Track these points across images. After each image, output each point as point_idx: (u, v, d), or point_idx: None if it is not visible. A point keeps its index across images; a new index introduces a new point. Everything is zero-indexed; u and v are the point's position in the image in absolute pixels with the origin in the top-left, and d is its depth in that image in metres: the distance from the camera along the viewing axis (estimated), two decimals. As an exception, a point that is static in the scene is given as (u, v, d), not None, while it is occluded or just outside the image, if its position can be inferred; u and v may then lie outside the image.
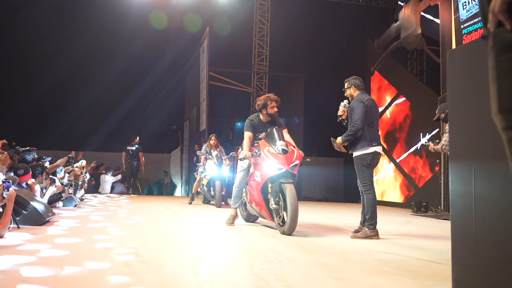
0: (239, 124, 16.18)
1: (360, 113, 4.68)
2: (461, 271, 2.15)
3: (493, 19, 0.94)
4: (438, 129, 5.40)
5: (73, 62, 14.52)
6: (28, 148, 6.08)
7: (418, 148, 10.81)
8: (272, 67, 14.93)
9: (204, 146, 9.41)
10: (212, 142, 9.20)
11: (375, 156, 4.72)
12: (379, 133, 4.86)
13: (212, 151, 9.05)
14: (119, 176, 12.87)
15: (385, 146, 12.50)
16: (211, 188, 9.00)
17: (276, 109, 5.51)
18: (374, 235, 4.62)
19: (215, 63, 13.89)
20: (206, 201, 9.59)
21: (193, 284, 2.43)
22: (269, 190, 4.89)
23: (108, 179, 12.58)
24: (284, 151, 4.87)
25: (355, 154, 4.80)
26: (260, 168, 5.03)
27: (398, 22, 11.75)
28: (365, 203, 4.71)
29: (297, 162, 4.88)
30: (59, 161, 7.60)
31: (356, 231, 4.76)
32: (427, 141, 6.03)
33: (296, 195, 4.64)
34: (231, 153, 8.23)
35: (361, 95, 4.87)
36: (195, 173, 12.46)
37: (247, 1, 14.35)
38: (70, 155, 8.56)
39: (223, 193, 8.79)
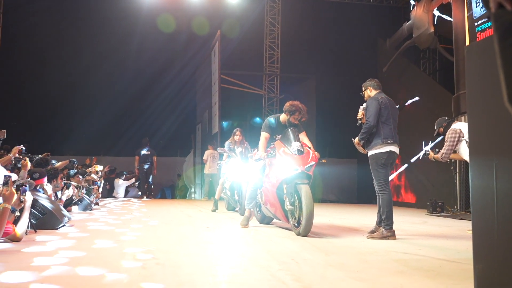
0: (258, 119, 15.93)
1: (373, 110, 4.66)
2: (484, 269, 2.11)
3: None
4: (442, 137, 5.38)
5: (85, 67, 14.67)
6: (40, 155, 6.14)
7: (420, 157, 10.69)
8: (284, 69, 14.93)
9: (227, 143, 7.93)
10: (236, 138, 7.74)
11: (391, 155, 4.67)
12: (396, 132, 4.79)
13: (236, 147, 7.67)
14: (133, 180, 12.94)
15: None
16: (235, 192, 7.70)
17: (297, 122, 5.42)
18: (391, 235, 4.57)
19: (226, 66, 13.93)
20: (231, 208, 8.23)
21: (210, 285, 2.41)
22: (284, 191, 4.87)
23: (121, 183, 12.66)
24: (300, 152, 4.85)
25: (370, 153, 4.76)
26: (275, 169, 5.01)
27: (410, 21, 11.67)
28: (381, 203, 4.68)
29: (313, 163, 4.84)
30: (58, 164, 7.62)
31: (372, 232, 4.72)
32: (427, 151, 5.97)
33: (311, 196, 4.60)
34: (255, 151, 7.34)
35: (378, 94, 4.86)
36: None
37: (257, 4, 14.37)
38: (73, 159, 8.54)
39: None
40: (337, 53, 14.34)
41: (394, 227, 4.64)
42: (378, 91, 4.90)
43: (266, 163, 5.33)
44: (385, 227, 4.60)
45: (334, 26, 13.87)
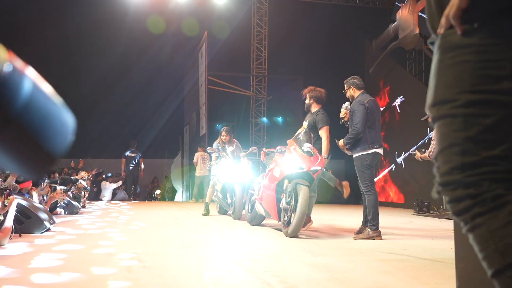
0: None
1: (360, 116, 4.69)
2: (465, 268, 2.14)
3: (445, 23, 1.04)
4: (427, 137, 5.43)
5: (72, 68, 14.55)
6: None
7: (401, 160, 10.80)
8: (271, 70, 14.94)
9: (215, 143, 7.57)
10: (223, 137, 7.40)
11: (375, 157, 4.74)
12: (381, 133, 4.89)
13: (226, 147, 7.31)
14: (120, 182, 12.86)
15: (385, 146, 12.50)
16: (227, 195, 7.30)
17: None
18: (377, 235, 4.61)
19: (213, 67, 13.91)
20: (222, 211, 7.86)
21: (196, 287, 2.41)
22: (284, 188, 4.89)
23: (109, 186, 12.57)
24: (309, 153, 4.89)
25: (355, 155, 4.83)
26: (281, 164, 5.04)
27: (395, 23, 11.77)
28: (367, 204, 4.73)
29: (319, 167, 4.86)
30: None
31: (359, 232, 4.75)
32: (413, 151, 6.06)
33: (308, 199, 4.60)
34: (250, 149, 7.05)
35: (362, 95, 4.87)
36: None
37: (244, 5, 14.38)
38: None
39: (244, 200, 6.80)
40: (324, 54, 14.41)
41: (380, 227, 4.69)
42: (361, 91, 4.91)
43: (273, 158, 5.39)
44: (371, 227, 4.64)
45: (321, 27, 13.92)
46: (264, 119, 14.60)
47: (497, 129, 0.98)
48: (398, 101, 11.96)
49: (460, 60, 1.02)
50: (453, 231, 5.36)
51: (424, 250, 3.95)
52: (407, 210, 10.07)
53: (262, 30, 14.74)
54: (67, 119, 0.85)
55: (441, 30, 1.06)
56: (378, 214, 4.68)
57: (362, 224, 4.80)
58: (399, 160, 11.71)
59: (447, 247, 4.07)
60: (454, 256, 2.31)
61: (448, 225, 6.61)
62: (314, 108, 5.72)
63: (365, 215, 4.75)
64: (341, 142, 4.91)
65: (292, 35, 14.03)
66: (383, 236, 4.69)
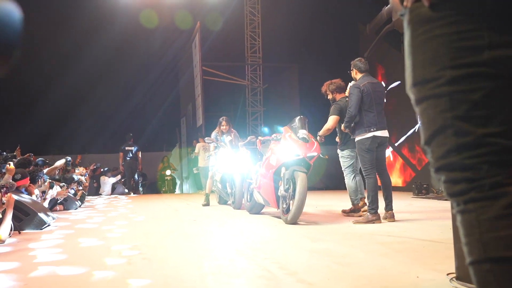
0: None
1: (354, 99, 4.75)
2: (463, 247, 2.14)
3: None
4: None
5: (67, 64, 14.47)
6: (25, 156, 6.07)
7: (416, 130, 10.81)
8: (266, 58, 14.88)
9: (213, 133, 7.59)
10: (223, 127, 7.46)
11: (374, 140, 4.75)
12: (382, 115, 4.86)
13: (224, 137, 7.33)
14: (119, 177, 12.85)
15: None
16: (227, 185, 7.29)
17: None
18: (376, 219, 4.64)
19: (208, 58, 13.83)
20: (222, 201, 7.87)
21: (196, 277, 2.42)
22: (281, 176, 4.89)
23: (108, 181, 12.57)
24: (305, 140, 4.88)
25: (356, 139, 4.89)
26: (277, 151, 5.03)
27: (389, 5, 11.69)
28: (367, 187, 4.77)
29: (315, 153, 4.86)
30: (57, 164, 7.58)
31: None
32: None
33: (306, 185, 4.61)
34: (248, 138, 6.93)
35: (362, 78, 4.91)
36: (194, 169, 12.36)
37: (236, -7, 14.26)
38: (68, 158, 8.50)
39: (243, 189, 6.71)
40: (318, 41, 14.34)
41: (379, 211, 4.70)
42: (363, 74, 4.94)
43: (269, 146, 5.40)
44: (370, 211, 4.66)
45: (315, 13, 13.82)
46: (265, 130, 14.49)
47: (487, 104, 0.92)
48: (393, 85, 11.94)
49: (434, 35, 0.96)
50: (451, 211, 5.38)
51: (423, 232, 3.96)
52: (407, 193, 10.10)
53: (255, 18, 14.64)
54: (9, 10, 0.81)
55: (407, 3, 1.01)
56: (377, 198, 4.70)
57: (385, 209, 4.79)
58: (397, 143, 11.73)
59: (446, 228, 4.07)
60: (452, 236, 2.32)
61: (446, 205, 6.62)
62: (339, 98, 5.71)
63: (384, 199, 4.79)
64: (342, 126, 5.00)
65: (285, 22, 13.94)
66: (382, 218, 4.71)
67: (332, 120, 5.43)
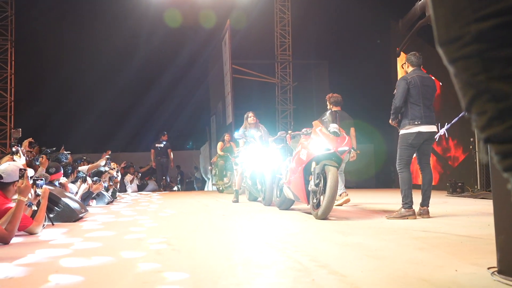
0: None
1: (399, 91, 4.67)
2: (505, 240, 2.03)
3: None
4: (458, 117, 5.42)
5: (99, 64, 14.76)
6: (54, 148, 6.19)
7: (448, 128, 10.50)
8: (296, 56, 14.78)
9: (241, 129, 7.44)
10: (250, 119, 7.32)
11: (419, 136, 4.63)
12: (431, 110, 4.75)
13: (254, 132, 7.19)
14: (138, 175, 12.99)
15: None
16: (257, 181, 7.17)
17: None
18: (410, 215, 4.51)
19: (238, 56, 13.84)
20: (252, 198, 7.74)
21: (225, 268, 2.38)
22: (312, 170, 4.81)
23: (128, 179, 12.73)
24: (336, 134, 4.80)
25: (400, 132, 4.78)
26: (307, 146, 4.96)
27: (422, 0, 11.41)
28: (400, 182, 4.67)
29: (346, 148, 4.78)
30: (100, 161, 7.75)
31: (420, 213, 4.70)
32: (447, 128, 5.95)
33: (337, 179, 4.53)
34: (278, 133, 6.80)
35: (412, 72, 4.82)
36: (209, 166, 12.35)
37: (266, -9, 14.22)
38: (108, 156, 8.62)
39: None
40: (349, 37, 14.11)
41: (414, 206, 4.58)
42: (414, 68, 4.86)
43: (300, 141, 5.33)
44: (404, 206, 4.55)
45: (345, 9, 13.63)
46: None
47: None
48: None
49: None
50: (491, 206, 5.21)
51: (460, 228, 3.81)
52: (441, 192, 9.82)
53: (285, 16, 14.57)
54: None
55: None
56: (410, 193, 4.57)
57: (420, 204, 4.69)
58: (442, 131, 11.38)
59: (484, 225, 3.92)
60: (494, 229, 2.20)
61: (483, 204, 6.40)
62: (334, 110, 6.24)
63: (422, 194, 4.68)
64: (390, 120, 4.88)
65: (315, 19, 13.81)
66: (417, 215, 4.57)
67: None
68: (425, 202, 4.68)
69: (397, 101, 4.66)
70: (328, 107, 6.73)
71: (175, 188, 15.11)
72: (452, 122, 11.05)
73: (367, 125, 12.83)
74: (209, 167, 12.47)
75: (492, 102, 0.83)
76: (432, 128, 4.70)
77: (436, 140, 11.48)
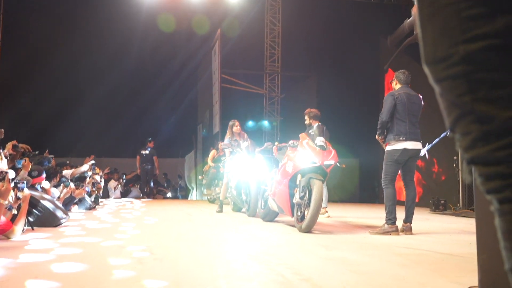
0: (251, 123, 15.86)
1: (386, 106, 4.75)
2: (488, 259, 2.05)
3: None
4: (442, 136, 5.56)
5: (85, 67, 14.67)
6: (37, 152, 6.10)
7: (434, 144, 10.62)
8: (284, 68, 14.86)
9: (227, 139, 7.47)
10: (235, 129, 7.37)
11: (405, 153, 4.69)
12: (416, 127, 4.84)
13: (240, 142, 7.20)
14: (116, 183, 12.89)
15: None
16: (242, 191, 7.13)
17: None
18: (393, 231, 4.54)
19: (227, 65, 13.87)
20: (237, 208, 7.71)
21: (208, 279, 2.36)
22: (297, 183, 4.81)
23: (112, 185, 12.61)
24: (322, 147, 4.81)
25: (386, 148, 4.83)
26: (293, 158, 4.96)
27: (411, 18, 11.60)
28: (384, 198, 4.70)
29: (332, 162, 4.79)
30: (83, 166, 7.64)
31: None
32: (428, 149, 5.99)
33: (322, 193, 4.54)
34: (265, 144, 6.86)
35: (400, 89, 4.90)
36: (200, 176, 12.29)
37: (257, 2, 14.32)
38: (93, 161, 8.49)
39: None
40: (338, 51, 14.26)
41: (397, 223, 4.60)
42: (402, 85, 4.95)
43: (286, 153, 5.34)
44: (387, 221, 4.58)
45: (335, 24, 13.80)
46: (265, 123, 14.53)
47: (511, 81, 0.79)
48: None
49: (442, 4, 0.84)
50: (473, 225, 5.26)
51: (442, 245, 3.84)
52: (423, 209, 9.90)
53: (276, 27, 14.67)
54: None
55: None
56: (394, 209, 4.61)
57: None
58: (422, 152, 11.50)
59: (465, 243, 3.96)
60: (476, 248, 2.22)
61: (465, 222, 6.47)
62: (314, 124, 6.63)
63: (406, 210, 4.75)
64: (376, 135, 4.96)
65: (305, 32, 13.93)
66: (400, 232, 4.59)
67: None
68: (408, 219, 4.72)
69: (383, 115, 4.72)
70: (307, 121, 6.98)
71: (169, 194, 15.03)
72: (433, 143, 11.17)
73: (352, 139, 12.93)
74: (200, 177, 12.35)
75: (476, 124, 0.82)
76: (417, 145, 4.78)
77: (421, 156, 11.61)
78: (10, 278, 2.32)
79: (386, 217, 4.59)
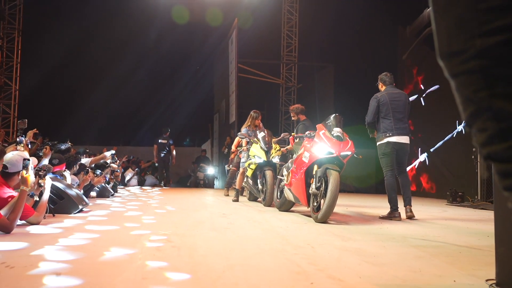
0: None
1: (370, 108, 5.40)
2: (506, 252, 2.04)
3: None
4: (456, 130, 5.60)
5: (103, 59, 14.81)
6: (56, 142, 6.21)
7: (454, 136, 10.50)
8: (301, 58, 14.78)
9: (244, 128, 7.60)
10: (257, 121, 7.59)
11: (388, 145, 5.30)
12: (403, 123, 5.38)
13: (257, 132, 7.23)
14: (132, 172, 13.02)
15: (419, 136, 12.21)
16: (258, 181, 7.17)
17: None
18: (395, 216, 5.10)
19: (243, 55, 13.85)
20: (252, 198, 7.81)
21: (224, 267, 2.39)
22: (313, 173, 4.82)
23: (130, 173, 12.76)
24: (339, 138, 4.81)
25: (377, 143, 5.48)
26: (310, 149, 4.97)
27: (430, 8, 11.42)
28: (385, 188, 5.31)
29: (349, 152, 4.80)
30: (103, 155, 7.76)
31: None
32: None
33: (339, 183, 4.54)
34: (282, 135, 6.84)
35: (385, 90, 5.46)
36: (226, 166, 12.32)
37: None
38: (114, 152, 8.58)
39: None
40: (356, 41, 14.12)
41: (415, 215, 5.23)
42: (387, 86, 5.49)
43: (302, 143, 5.47)
44: (391, 208, 5.21)
45: (353, 13, 13.64)
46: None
47: None
48: (432, 89, 11.64)
49: None
50: (491, 217, 5.24)
51: (459, 237, 3.82)
52: (440, 200, 9.83)
53: (293, 17, 14.57)
54: None
55: None
56: (394, 197, 5.21)
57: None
58: (433, 149, 11.43)
59: (483, 235, 3.93)
60: (494, 242, 2.21)
61: (483, 214, 6.41)
62: (303, 119, 7.25)
63: (402, 195, 5.32)
64: (370, 135, 5.64)
65: (323, 21, 13.82)
66: (416, 224, 4.59)
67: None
68: (406, 202, 5.27)
69: (368, 117, 5.41)
70: (294, 117, 7.31)
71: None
72: (436, 146, 11.08)
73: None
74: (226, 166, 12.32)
75: (493, 121, 0.80)
76: (402, 139, 5.31)
77: (426, 159, 11.50)
78: (33, 263, 2.39)
79: (389, 203, 5.23)
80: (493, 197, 2.20)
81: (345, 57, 14.20)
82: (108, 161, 7.84)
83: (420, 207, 7.20)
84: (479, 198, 8.77)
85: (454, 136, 10.54)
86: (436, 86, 11.40)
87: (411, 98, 12.71)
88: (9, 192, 3.58)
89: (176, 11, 13.79)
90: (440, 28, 0.86)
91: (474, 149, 9.43)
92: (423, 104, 12.10)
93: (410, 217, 5.20)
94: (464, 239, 3.71)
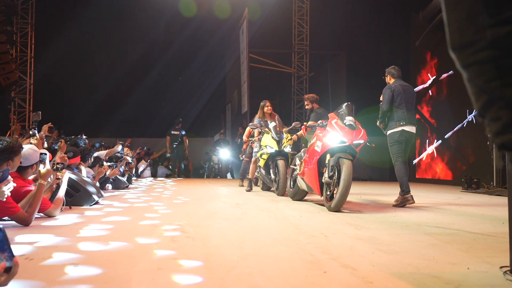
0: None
1: (385, 98, 5.50)
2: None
3: None
4: (470, 117, 5.57)
5: (117, 52, 14.88)
6: (73, 137, 6.29)
7: (464, 125, 10.38)
8: (313, 46, 14.68)
9: (256, 119, 7.61)
10: (266, 109, 7.52)
11: (402, 133, 5.41)
12: (413, 113, 5.58)
13: (268, 122, 7.22)
14: (145, 163, 13.11)
15: (432, 122, 12.10)
16: (271, 171, 7.13)
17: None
18: (408, 200, 5.20)
19: (255, 45, 13.81)
20: (266, 187, 7.86)
21: (238, 257, 2.42)
22: (326, 162, 4.83)
23: (143, 164, 12.87)
24: (351, 127, 4.79)
25: (388, 132, 5.54)
26: (322, 138, 4.97)
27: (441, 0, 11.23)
28: (396, 174, 5.42)
29: (362, 141, 4.79)
30: (116, 147, 7.85)
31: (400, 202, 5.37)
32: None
33: (351, 172, 4.53)
34: (293, 124, 6.93)
35: (395, 82, 5.58)
36: (240, 156, 12.33)
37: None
38: (122, 143, 8.66)
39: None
40: (368, 28, 13.96)
41: (427, 201, 5.32)
42: (396, 79, 5.62)
43: (315, 132, 5.50)
44: (401, 193, 5.27)
45: (365, 0, 13.48)
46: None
47: None
48: (446, 75, 11.49)
49: None
50: (506, 204, 5.20)
51: (473, 225, 3.80)
52: (455, 187, 9.75)
53: (304, 5, 14.45)
54: None
55: None
56: (405, 182, 5.28)
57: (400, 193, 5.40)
58: (447, 136, 11.31)
59: (498, 222, 3.90)
60: (508, 229, 2.20)
61: (498, 201, 6.35)
62: (316, 108, 7.43)
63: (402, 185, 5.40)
64: (377, 122, 5.68)
65: (334, 9, 13.68)
66: (430, 210, 4.60)
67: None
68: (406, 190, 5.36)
69: (384, 106, 5.48)
70: (308, 106, 7.45)
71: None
72: (449, 133, 10.96)
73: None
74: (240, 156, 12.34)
75: (506, 109, 0.81)
76: (412, 129, 5.50)
77: (440, 144, 11.38)
78: (51, 255, 2.44)
79: (400, 188, 5.29)
80: (507, 187, 2.18)
81: (357, 44, 14.07)
82: (119, 150, 7.93)
83: (435, 194, 7.17)
84: (494, 185, 8.68)
85: (464, 125, 10.41)
86: (450, 72, 11.25)
87: (423, 86, 12.59)
88: (25, 186, 3.64)
89: (184, 4, 13.76)
90: (451, 20, 0.86)
91: (489, 135, 9.30)
92: (435, 91, 11.96)
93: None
94: (479, 226, 3.69)
